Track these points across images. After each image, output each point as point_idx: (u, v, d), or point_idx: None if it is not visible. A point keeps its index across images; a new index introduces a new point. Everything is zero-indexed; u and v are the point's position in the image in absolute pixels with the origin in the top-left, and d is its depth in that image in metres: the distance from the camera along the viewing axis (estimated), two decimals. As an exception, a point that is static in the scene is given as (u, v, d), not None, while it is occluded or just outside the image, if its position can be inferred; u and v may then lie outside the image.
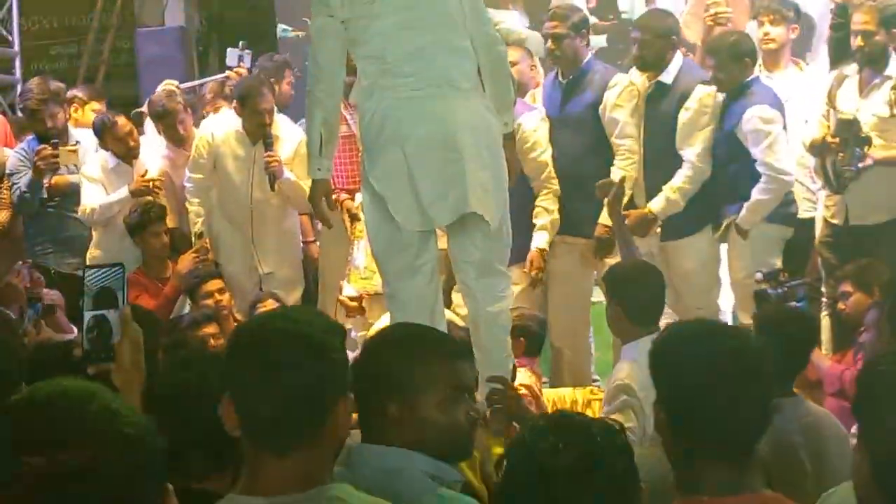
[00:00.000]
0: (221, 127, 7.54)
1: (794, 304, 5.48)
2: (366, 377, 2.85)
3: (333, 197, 6.53)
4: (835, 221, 6.98)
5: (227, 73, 8.44)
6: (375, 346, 3.03)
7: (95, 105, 8.77)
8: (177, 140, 7.86)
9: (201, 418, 2.75)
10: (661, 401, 2.68)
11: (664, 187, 6.86)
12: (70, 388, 1.68)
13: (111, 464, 1.57)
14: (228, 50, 8.43)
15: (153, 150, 7.94)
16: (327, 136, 5.13)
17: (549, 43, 7.11)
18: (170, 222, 7.63)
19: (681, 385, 2.63)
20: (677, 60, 6.95)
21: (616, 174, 6.73)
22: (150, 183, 7.65)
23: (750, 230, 6.74)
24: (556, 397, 5.81)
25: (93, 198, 7.72)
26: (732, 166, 6.81)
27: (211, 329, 6.11)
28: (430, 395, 2.89)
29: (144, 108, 8.23)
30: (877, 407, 2.43)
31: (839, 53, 7.38)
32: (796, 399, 4.36)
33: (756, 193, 6.71)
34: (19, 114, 9.00)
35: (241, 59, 8.31)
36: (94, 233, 7.86)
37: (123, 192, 7.68)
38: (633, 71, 7.14)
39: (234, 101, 7.52)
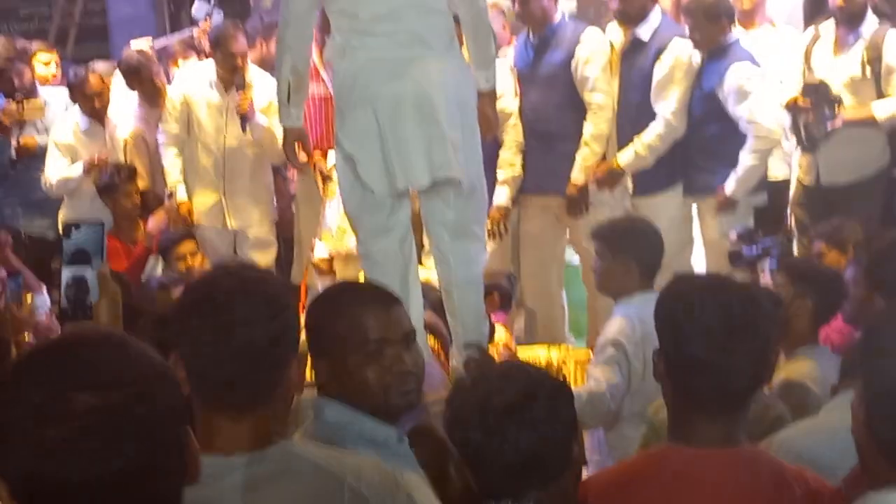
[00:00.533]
0: (195, 77, 7.53)
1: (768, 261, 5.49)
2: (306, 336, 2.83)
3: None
4: (807, 181, 6.99)
5: (195, 29, 8.36)
6: (310, 306, 2.99)
7: (44, 56, 8.70)
8: (150, 96, 7.74)
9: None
10: (661, 350, 2.71)
11: (634, 140, 6.84)
12: (105, 331, 1.73)
13: (153, 402, 1.60)
14: (197, 2, 8.33)
15: (125, 110, 7.86)
16: (296, 85, 5.06)
17: (516, 6, 7.07)
18: (142, 184, 7.57)
19: (676, 335, 2.66)
20: (656, 15, 6.90)
21: (587, 130, 6.79)
22: (100, 163, 7.58)
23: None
24: (532, 356, 5.79)
25: (52, 170, 7.72)
26: (709, 127, 6.79)
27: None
28: (350, 349, 2.83)
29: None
30: (876, 359, 2.48)
31: (813, 11, 7.36)
32: (818, 348, 4.62)
33: (745, 159, 6.68)
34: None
35: (209, 15, 8.21)
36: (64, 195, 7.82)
37: (78, 168, 7.65)
38: (613, 26, 7.09)
39: (209, 46, 7.48)
